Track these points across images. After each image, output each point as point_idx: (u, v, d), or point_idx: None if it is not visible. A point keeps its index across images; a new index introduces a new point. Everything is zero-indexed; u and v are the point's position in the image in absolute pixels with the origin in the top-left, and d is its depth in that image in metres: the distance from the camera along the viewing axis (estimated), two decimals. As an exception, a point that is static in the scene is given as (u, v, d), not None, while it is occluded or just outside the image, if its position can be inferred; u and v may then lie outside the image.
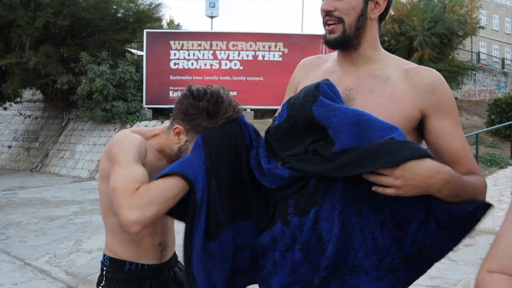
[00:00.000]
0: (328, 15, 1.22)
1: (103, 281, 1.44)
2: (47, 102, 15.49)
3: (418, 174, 1.01)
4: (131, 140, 1.29)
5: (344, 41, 1.22)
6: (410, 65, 1.26)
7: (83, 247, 5.12)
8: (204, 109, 1.29)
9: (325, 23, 1.24)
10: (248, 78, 12.62)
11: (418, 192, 1.03)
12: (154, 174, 1.28)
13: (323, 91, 1.13)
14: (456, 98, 18.24)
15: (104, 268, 1.46)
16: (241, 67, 12.77)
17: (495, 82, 20.84)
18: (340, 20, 1.20)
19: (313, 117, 1.12)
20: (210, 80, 12.61)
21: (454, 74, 15.84)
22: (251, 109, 12.47)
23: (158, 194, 1.15)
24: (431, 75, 1.21)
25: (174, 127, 1.34)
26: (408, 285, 1.16)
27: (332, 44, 1.24)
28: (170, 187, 1.17)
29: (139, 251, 1.43)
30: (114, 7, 14.02)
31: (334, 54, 1.36)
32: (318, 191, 1.14)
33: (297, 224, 1.14)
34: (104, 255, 1.47)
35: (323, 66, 1.37)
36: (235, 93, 12.69)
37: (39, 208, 7.60)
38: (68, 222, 6.52)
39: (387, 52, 1.32)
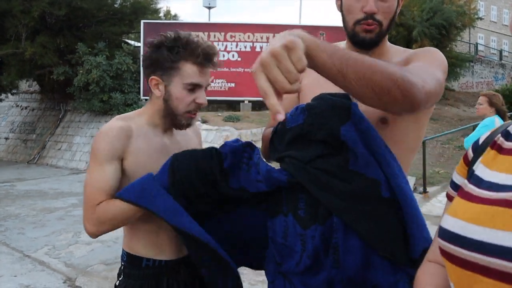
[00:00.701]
0: (372, 18, 1.17)
1: (121, 276, 1.44)
2: (44, 94, 15.41)
3: (276, 39, 0.83)
4: (108, 134, 1.31)
5: (378, 42, 1.22)
6: (409, 51, 1.28)
7: (82, 238, 5.14)
8: (163, 46, 1.33)
9: (364, 23, 1.18)
10: (246, 70, 12.58)
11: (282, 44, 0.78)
12: (151, 152, 1.34)
13: (355, 113, 1.07)
14: (453, 90, 18.30)
15: (122, 263, 1.45)
16: (239, 59, 12.73)
17: (492, 73, 20.86)
18: (380, 23, 1.19)
19: (338, 135, 1.07)
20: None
21: (452, 66, 15.85)
22: (249, 101, 12.46)
23: (113, 216, 1.26)
24: (423, 48, 1.23)
25: (150, 79, 1.38)
26: None
27: (366, 44, 1.21)
28: (122, 211, 1.26)
29: (156, 245, 1.40)
30: (111, -3, 13.93)
31: (341, 44, 1.30)
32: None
33: (319, 233, 1.11)
34: (123, 250, 1.46)
35: None
36: (233, 84, 12.67)
37: (37, 200, 7.60)
38: (67, 214, 6.53)
39: (392, 44, 1.33)
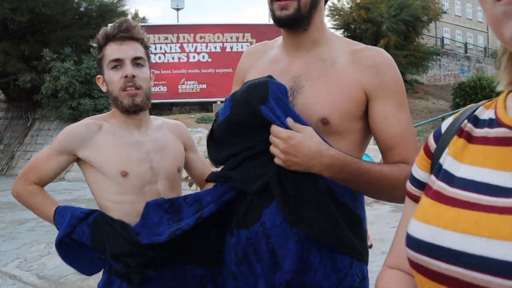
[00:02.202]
0: None
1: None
2: (9, 102, 14.94)
3: (300, 152, 1.02)
4: (70, 130, 1.39)
5: (297, 19, 1.14)
6: (358, 45, 1.20)
7: (54, 249, 4.99)
8: (98, 42, 1.39)
9: (275, 0, 1.13)
10: (217, 70, 12.54)
11: (300, 169, 1.04)
12: (121, 146, 1.36)
13: (272, 90, 1.08)
14: (422, 83, 18.73)
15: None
16: (210, 59, 12.67)
17: (459, 66, 21.43)
18: None
19: (260, 116, 1.07)
20: (179, 74, 12.46)
21: (420, 60, 16.23)
22: (221, 101, 12.34)
23: (29, 204, 1.42)
24: (376, 55, 1.15)
25: (97, 80, 1.44)
26: None
27: (284, 22, 1.14)
28: (41, 211, 1.42)
29: None
30: (76, 1, 13.63)
31: (279, 39, 1.29)
32: (261, 203, 1.10)
33: (244, 237, 1.11)
34: None
35: (269, 53, 1.29)
36: (204, 86, 12.60)
37: (7, 212, 7.35)
38: (38, 224, 6.34)
39: (333, 33, 1.28)
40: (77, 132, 1.35)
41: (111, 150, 1.34)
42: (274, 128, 1.05)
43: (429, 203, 0.59)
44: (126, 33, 1.34)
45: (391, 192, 1.07)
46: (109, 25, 1.39)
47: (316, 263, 1.06)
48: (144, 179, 1.36)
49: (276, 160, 1.05)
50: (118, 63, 1.34)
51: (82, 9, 13.82)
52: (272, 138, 1.06)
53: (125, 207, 1.34)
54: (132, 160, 1.35)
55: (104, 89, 1.41)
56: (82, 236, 1.32)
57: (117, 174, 1.32)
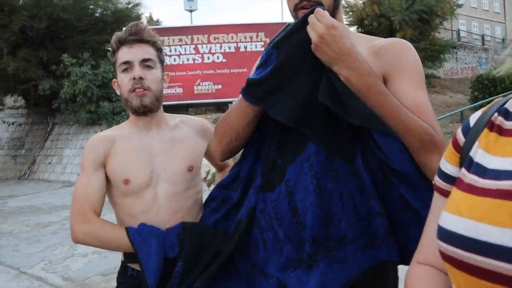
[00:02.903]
0: None
1: (116, 284, 1.47)
2: (30, 108, 15.26)
3: (334, 45, 1.01)
4: (91, 144, 1.39)
5: None
6: (377, 40, 1.21)
7: (78, 251, 5.10)
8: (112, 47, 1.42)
9: (300, 8, 1.13)
10: (231, 71, 12.56)
11: (324, 59, 1.02)
12: (131, 151, 1.37)
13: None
14: (439, 77, 18.45)
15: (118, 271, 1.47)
16: (224, 60, 12.70)
17: (476, 59, 21.06)
18: (318, 2, 1.11)
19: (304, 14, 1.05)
20: (194, 75, 12.54)
21: (436, 53, 15.99)
22: (237, 101, 12.41)
23: (100, 240, 1.29)
24: (394, 42, 1.16)
25: (113, 84, 1.48)
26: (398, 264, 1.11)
27: None
28: (114, 241, 1.28)
29: None
30: (91, 7, 13.82)
31: None
32: (285, 161, 1.10)
33: (269, 200, 1.11)
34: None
35: None
36: (219, 86, 12.65)
37: (31, 216, 7.52)
38: (61, 227, 6.47)
39: (352, 31, 1.29)
40: (100, 142, 1.38)
41: (120, 158, 1.36)
42: (320, 11, 1.02)
43: (461, 196, 0.59)
44: (135, 36, 1.37)
45: (419, 134, 1.01)
46: (123, 29, 1.43)
47: (338, 212, 1.04)
48: (143, 184, 1.36)
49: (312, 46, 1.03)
50: (127, 65, 1.37)
51: (97, 14, 14.01)
52: (312, 19, 1.03)
53: (125, 208, 1.38)
54: (135, 166, 1.36)
55: (118, 92, 1.44)
56: (168, 249, 1.27)
57: (121, 182, 1.35)
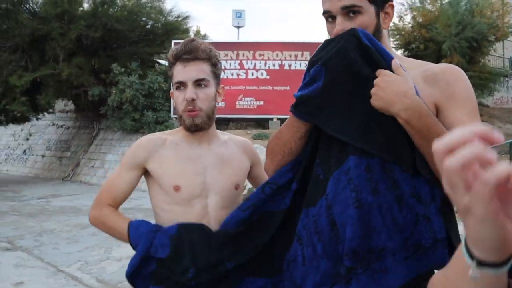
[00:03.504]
0: None
1: None
2: (78, 113, 15.95)
3: (388, 89, 1.04)
4: (136, 144, 1.45)
5: None
6: (428, 65, 1.21)
7: (113, 254, 5.21)
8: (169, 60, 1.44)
9: None
10: (274, 88, 12.65)
11: (381, 105, 1.05)
12: (178, 160, 1.41)
13: (362, 32, 1.10)
14: (487, 106, 17.78)
15: None
16: (268, 77, 12.82)
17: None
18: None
19: (361, 45, 1.08)
20: (237, 90, 12.72)
21: (486, 81, 15.45)
22: (278, 119, 12.49)
23: (106, 226, 1.45)
24: (445, 68, 1.16)
25: (170, 94, 1.51)
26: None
27: None
28: (117, 230, 1.42)
29: None
30: (144, 18, 14.38)
31: None
32: (326, 176, 1.12)
33: (311, 215, 1.13)
34: None
35: None
36: (261, 102, 12.74)
37: (71, 216, 7.79)
38: (99, 230, 6.65)
39: (401, 56, 1.29)
40: (145, 144, 1.42)
41: (169, 164, 1.40)
42: (381, 71, 1.08)
43: None
44: (190, 55, 1.37)
45: None
46: (173, 42, 1.48)
47: (378, 225, 1.05)
48: (194, 192, 1.39)
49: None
50: (181, 84, 1.39)
51: (148, 26, 14.54)
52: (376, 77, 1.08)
53: (171, 216, 1.39)
54: (186, 174, 1.39)
55: (174, 103, 1.51)
56: (159, 249, 1.31)
57: (171, 188, 1.38)
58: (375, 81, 1.06)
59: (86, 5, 13.57)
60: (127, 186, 1.43)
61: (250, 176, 1.58)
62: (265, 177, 1.60)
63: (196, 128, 1.40)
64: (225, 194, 1.43)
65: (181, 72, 1.38)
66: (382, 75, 1.06)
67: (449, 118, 1.09)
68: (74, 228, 6.78)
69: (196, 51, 1.37)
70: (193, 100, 1.36)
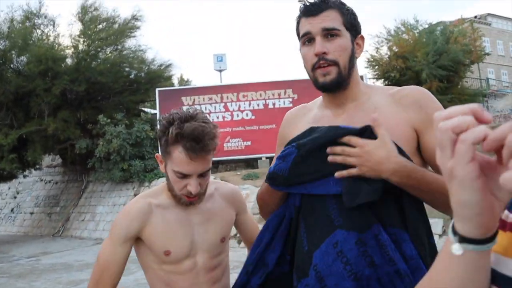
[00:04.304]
0: (322, 59, 1.19)
1: None
2: (66, 166, 15.83)
3: (372, 157, 1.06)
4: (128, 215, 1.38)
5: (340, 82, 1.20)
6: (394, 89, 1.26)
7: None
8: (161, 128, 1.30)
9: (318, 67, 1.20)
10: (260, 127, 12.79)
11: (372, 174, 1.07)
12: (169, 224, 1.37)
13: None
14: (471, 127, 18.12)
15: None
16: (253, 117, 12.98)
17: (508, 106, 20.67)
18: (335, 63, 1.18)
19: (338, 131, 1.12)
20: (224, 132, 12.82)
21: (466, 102, 15.84)
22: (266, 157, 12.54)
23: None
24: (414, 92, 1.21)
25: (156, 155, 1.41)
26: None
27: (329, 87, 1.21)
28: None
29: None
30: (127, 69, 14.61)
31: (318, 100, 1.36)
32: (311, 246, 1.12)
33: (304, 284, 1.12)
34: None
35: (309, 114, 1.35)
36: (249, 143, 12.82)
37: (63, 273, 7.58)
38: (92, 286, 6.47)
39: (367, 84, 1.34)
40: (136, 216, 1.36)
41: (159, 230, 1.37)
42: (352, 138, 1.09)
43: (507, 237, 0.59)
44: (200, 148, 1.25)
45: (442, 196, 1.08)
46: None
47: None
48: (183, 254, 1.39)
49: (350, 171, 1.08)
50: (184, 175, 1.30)
51: (132, 76, 14.77)
52: (346, 149, 1.09)
53: (161, 273, 1.40)
54: (176, 239, 1.38)
55: (162, 168, 1.39)
56: None
57: (161, 253, 1.37)
58: (354, 152, 1.07)
59: (69, 61, 13.77)
60: (123, 260, 1.37)
61: (235, 224, 1.58)
62: (250, 223, 1.60)
63: (191, 205, 1.40)
64: (212, 249, 1.44)
65: (186, 164, 1.28)
66: (360, 145, 1.07)
67: (430, 143, 1.14)
68: (66, 286, 6.58)
69: (206, 145, 1.27)
70: (194, 195, 1.33)
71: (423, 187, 1.07)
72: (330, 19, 1.19)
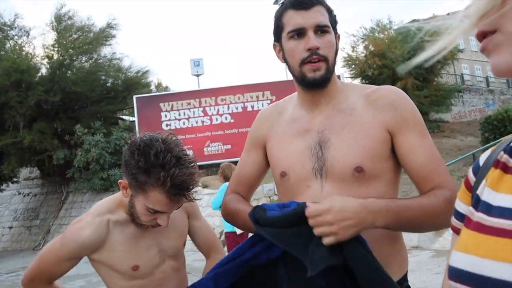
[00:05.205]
0: (315, 54, 1.16)
1: None
2: (44, 178, 15.53)
3: (348, 213, 0.98)
4: (75, 241, 1.28)
5: (328, 78, 1.19)
6: (370, 88, 1.24)
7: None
8: (141, 165, 1.18)
9: (308, 62, 1.17)
10: (240, 130, 12.78)
11: (355, 230, 0.99)
12: (128, 242, 1.33)
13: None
14: (447, 122, 18.48)
15: None
16: (232, 120, 12.98)
17: (483, 100, 21.15)
18: (325, 58, 1.17)
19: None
20: (203, 137, 12.77)
21: (441, 98, 16.16)
22: (247, 159, 12.51)
23: None
24: (390, 94, 1.20)
25: (118, 181, 1.30)
26: None
27: (319, 82, 1.19)
28: None
29: None
30: (103, 77, 14.45)
31: (291, 99, 1.35)
32: None
33: None
34: None
35: (284, 113, 1.33)
36: (229, 146, 12.81)
37: None
38: (75, 299, 6.36)
39: (344, 82, 1.33)
40: (88, 242, 1.28)
41: (122, 249, 1.32)
42: (311, 209, 1.00)
43: (469, 234, 0.60)
44: (182, 194, 1.22)
45: (434, 221, 1.08)
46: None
47: None
48: (153, 264, 1.38)
49: (326, 240, 0.98)
50: (158, 212, 1.25)
51: (109, 84, 14.61)
52: (312, 221, 1.00)
53: None
54: (141, 253, 1.35)
55: (124, 194, 1.30)
56: None
57: (129, 269, 1.33)
58: (328, 220, 0.98)
59: (43, 71, 13.56)
60: (64, 271, 1.34)
61: (190, 232, 1.55)
62: (200, 226, 1.55)
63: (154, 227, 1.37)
64: (177, 253, 1.46)
65: (164, 204, 1.23)
66: (328, 209, 0.99)
67: (404, 144, 1.15)
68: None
69: (189, 193, 1.24)
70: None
71: (402, 217, 1.05)
72: (321, 14, 1.18)
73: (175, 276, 1.44)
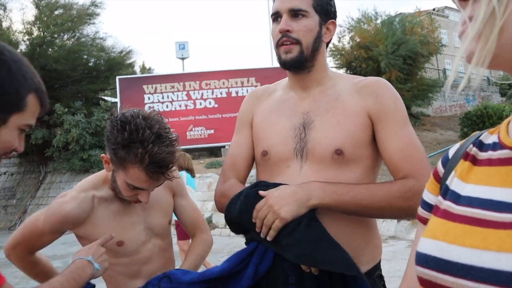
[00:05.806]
0: (285, 36, 1.21)
1: None
2: (22, 157, 15.22)
3: (285, 195, 1.09)
4: (59, 214, 1.29)
5: (301, 61, 1.23)
6: (358, 78, 1.30)
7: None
8: (120, 141, 1.18)
9: (281, 44, 1.23)
10: (224, 115, 12.74)
11: (293, 208, 1.08)
12: (112, 217, 1.33)
13: None
14: (428, 115, 18.77)
15: None
16: (216, 105, 12.91)
17: (463, 96, 21.52)
18: (297, 41, 1.21)
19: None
20: (186, 121, 12.68)
21: (424, 92, 16.39)
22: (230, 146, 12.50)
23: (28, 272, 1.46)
24: (374, 82, 1.25)
25: (101, 155, 1.32)
26: None
27: (289, 64, 1.23)
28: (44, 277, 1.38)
29: None
30: (85, 56, 14.15)
31: (282, 82, 1.39)
32: None
33: None
34: None
35: (274, 94, 1.37)
36: (212, 131, 12.76)
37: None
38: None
39: (335, 71, 1.38)
40: (72, 216, 1.29)
41: (106, 224, 1.33)
42: (254, 212, 1.12)
43: (437, 222, 0.62)
44: (161, 172, 1.22)
45: (388, 206, 1.11)
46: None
47: None
48: (140, 241, 1.38)
49: (277, 223, 1.08)
50: (137, 188, 1.25)
51: (91, 64, 14.33)
52: (256, 214, 1.12)
53: (119, 268, 1.37)
54: (126, 228, 1.35)
55: (106, 168, 1.30)
56: None
57: (113, 245, 1.32)
58: (268, 204, 1.10)
59: (23, 47, 13.19)
60: (48, 243, 1.36)
61: (174, 207, 1.55)
62: (185, 205, 1.55)
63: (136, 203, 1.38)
64: (163, 232, 1.46)
65: (144, 181, 1.23)
66: (266, 199, 1.11)
67: (382, 131, 1.19)
68: (22, 280, 6.36)
69: (167, 171, 1.24)
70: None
71: (346, 197, 1.10)
72: (300, 0, 1.22)
73: (162, 256, 1.44)
